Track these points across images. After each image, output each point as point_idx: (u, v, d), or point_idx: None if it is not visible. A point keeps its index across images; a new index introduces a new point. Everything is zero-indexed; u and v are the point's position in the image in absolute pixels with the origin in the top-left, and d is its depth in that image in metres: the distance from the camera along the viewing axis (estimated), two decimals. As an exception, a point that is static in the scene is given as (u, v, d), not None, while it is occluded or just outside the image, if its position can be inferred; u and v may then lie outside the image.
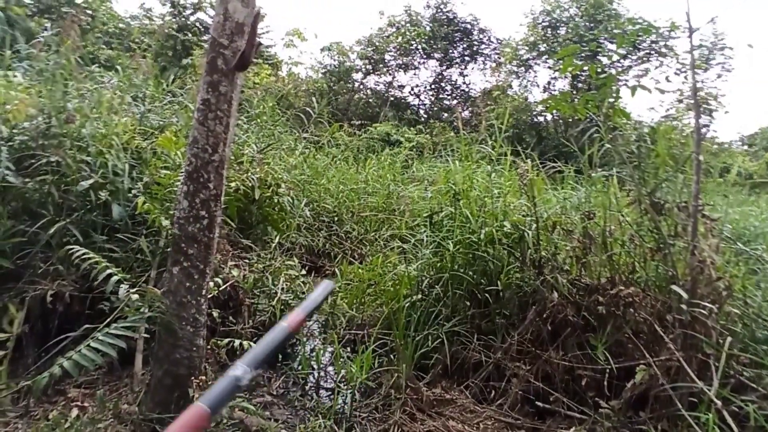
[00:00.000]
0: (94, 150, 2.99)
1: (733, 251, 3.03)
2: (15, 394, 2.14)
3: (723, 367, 2.18)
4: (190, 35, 12.66)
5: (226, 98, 2.12)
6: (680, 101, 12.82)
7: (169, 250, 2.28)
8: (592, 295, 2.73)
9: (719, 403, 2.05)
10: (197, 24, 13.11)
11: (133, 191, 2.93)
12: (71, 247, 2.19)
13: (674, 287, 2.45)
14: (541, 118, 13.59)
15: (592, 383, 2.54)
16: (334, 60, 15.38)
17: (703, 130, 12.91)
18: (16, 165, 2.70)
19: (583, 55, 11.06)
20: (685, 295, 2.37)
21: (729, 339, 2.28)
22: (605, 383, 2.48)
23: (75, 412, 2.10)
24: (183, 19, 13.23)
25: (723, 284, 2.44)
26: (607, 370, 2.49)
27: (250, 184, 3.69)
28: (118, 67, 5.38)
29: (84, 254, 2.09)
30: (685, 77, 12.28)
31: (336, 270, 4.09)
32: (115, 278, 2.06)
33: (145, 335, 2.29)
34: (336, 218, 5.56)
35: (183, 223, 2.11)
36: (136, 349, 2.33)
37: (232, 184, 3.56)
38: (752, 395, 2.20)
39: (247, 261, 3.26)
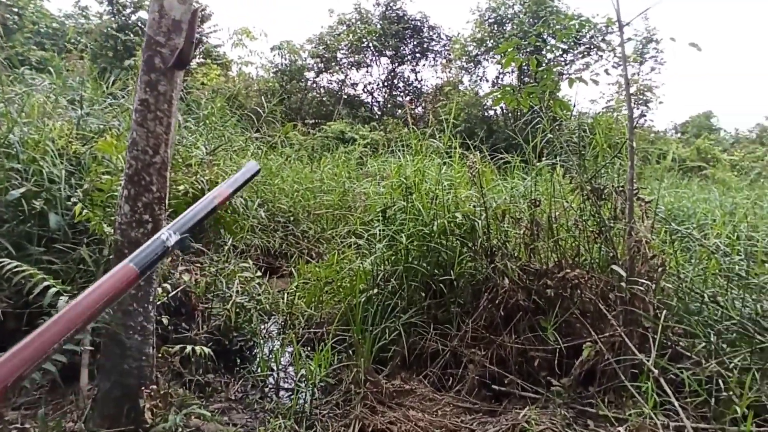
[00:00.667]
0: (26, 157, 2.81)
1: (667, 231, 3.24)
2: (-55, 421, 1.99)
3: (660, 339, 2.34)
4: (131, 35, 12.11)
5: (165, 98, 2.05)
6: (619, 93, 13.52)
7: (112, 258, 2.19)
8: (541, 279, 2.84)
9: (656, 372, 2.19)
10: (139, 23, 12.56)
11: (72, 199, 2.78)
12: (1, 260, 2.06)
13: (615, 267, 2.59)
14: (492, 112, 13.97)
15: (544, 363, 2.65)
16: (286, 59, 15.17)
17: (640, 119, 13.67)
18: (-66, 175, 2.50)
19: (527, 50, 11.46)
20: (624, 274, 2.52)
21: (665, 312, 2.45)
22: (556, 362, 2.60)
23: (15, 434, 1.98)
24: (123, 18, 12.64)
25: (658, 262, 2.61)
26: (557, 350, 2.60)
27: (199, 187, 3.59)
28: (52, 69, 5.07)
29: (16, 267, 1.97)
30: (623, 70, 12.97)
31: (293, 270, 4.05)
32: (52, 290, 1.95)
33: (90, 348, 2.19)
34: (292, 218, 5.50)
35: (125, 229, 2.03)
36: (81, 363, 2.22)
37: (181, 187, 3.45)
38: (686, 363, 2.38)
39: (199, 265, 3.17)
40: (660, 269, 2.63)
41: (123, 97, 4.68)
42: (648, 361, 2.26)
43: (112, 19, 12.42)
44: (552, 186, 3.15)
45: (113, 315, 1.99)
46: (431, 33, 16.68)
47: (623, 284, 2.53)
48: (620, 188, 2.90)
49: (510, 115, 12.88)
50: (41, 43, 12.11)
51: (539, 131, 3.36)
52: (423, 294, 3.05)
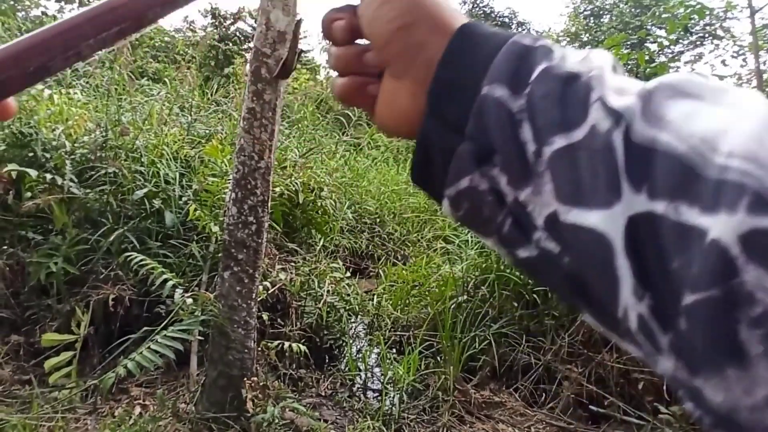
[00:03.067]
0: (147, 160, 3.14)
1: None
2: (83, 392, 2.28)
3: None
4: (230, 45, 13.09)
5: (270, 106, 2.16)
6: (739, 86, 12.04)
7: (219, 255, 2.36)
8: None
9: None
10: (237, 33, 13.55)
11: (183, 199, 3.05)
12: (129, 253, 2.31)
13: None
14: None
15: (650, 387, 2.42)
16: (371, 61, 15.47)
17: None
18: (78, 177, 2.87)
19: (629, 43, 10.59)
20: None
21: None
22: (664, 387, 2.36)
23: (138, 410, 2.22)
24: (224, 29, 13.70)
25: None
26: (667, 374, 2.36)
27: (293, 189, 3.76)
28: (166, 80, 5.62)
29: (141, 260, 2.19)
30: (744, 60, 11.52)
31: (380, 271, 4.10)
32: (170, 283, 2.15)
33: (199, 337, 2.38)
34: (378, 220, 5.56)
35: (232, 229, 2.17)
36: (191, 350, 2.42)
37: (277, 189, 3.63)
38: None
39: (293, 264, 3.32)
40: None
41: (225, 103, 5.07)
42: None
43: (215, 30, 13.51)
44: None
45: (221, 309, 2.14)
46: (520, 29, 16.08)
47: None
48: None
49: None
50: (156, 56, 13.50)
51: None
52: (515, 304, 2.92)
